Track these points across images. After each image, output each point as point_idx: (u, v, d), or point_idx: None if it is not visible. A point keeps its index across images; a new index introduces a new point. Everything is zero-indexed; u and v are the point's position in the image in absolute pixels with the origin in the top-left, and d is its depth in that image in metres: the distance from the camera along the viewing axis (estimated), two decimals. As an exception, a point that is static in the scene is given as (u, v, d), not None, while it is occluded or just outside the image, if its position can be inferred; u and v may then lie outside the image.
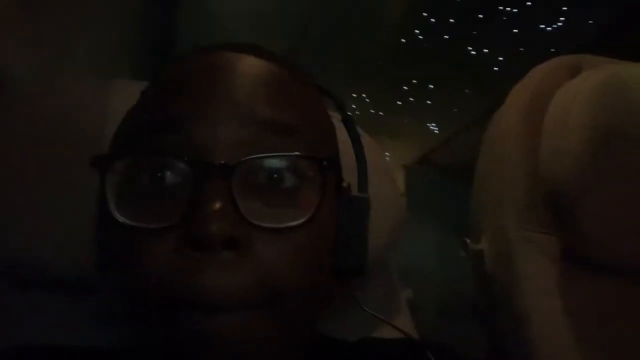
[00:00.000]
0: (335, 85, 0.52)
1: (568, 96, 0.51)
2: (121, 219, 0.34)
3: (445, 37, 2.15)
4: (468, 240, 0.58)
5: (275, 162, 0.34)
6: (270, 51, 0.40)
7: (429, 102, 2.64)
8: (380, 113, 2.99)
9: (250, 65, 0.38)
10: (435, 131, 2.85)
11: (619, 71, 0.51)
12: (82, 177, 0.38)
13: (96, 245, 0.38)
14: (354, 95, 2.77)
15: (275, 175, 0.34)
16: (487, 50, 2.07)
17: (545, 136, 0.51)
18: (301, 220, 0.34)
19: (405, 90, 2.64)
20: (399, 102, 2.78)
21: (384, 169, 0.52)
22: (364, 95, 2.85)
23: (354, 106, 2.81)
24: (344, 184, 0.39)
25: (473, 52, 2.17)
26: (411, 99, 2.69)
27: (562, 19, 1.79)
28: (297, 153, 0.35)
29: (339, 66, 2.13)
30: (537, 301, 0.50)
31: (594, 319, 0.49)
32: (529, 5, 1.80)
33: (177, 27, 1.38)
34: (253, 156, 0.34)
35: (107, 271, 0.38)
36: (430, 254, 2.32)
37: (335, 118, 0.43)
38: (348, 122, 0.43)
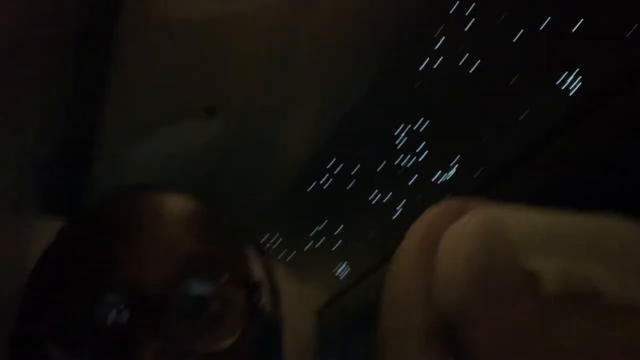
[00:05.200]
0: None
1: (455, 235, 0.57)
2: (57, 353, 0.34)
3: (352, 182, 2.28)
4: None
5: (202, 290, 0.37)
6: (188, 192, 0.44)
7: (337, 244, 2.72)
8: (287, 259, 3.03)
9: (171, 204, 0.41)
10: (344, 274, 2.90)
11: (496, 212, 0.58)
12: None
13: None
14: (260, 241, 2.79)
15: (204, 303, 0.37)
16: (390, 195, 2.21)
17: (438, 271, 0.56)
18: (231, 341, 0.36)
19: (314, 233, 2.72)
20: (308, 245, 2.84)
21: (298, 299, 0.55)
22: (271, 241, 2.90)
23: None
24: (262, 305, 0.43)
25: (377, 197, 2.31)
26: (320, 241, 2.76)
27: (454, 169, 1.97)
28: (219, 277, 0.38)
29: (246, 212, 2.18)
30: None
31: None
32: (424, 158, 1.98)
33: (90, 170, 1.40)
34: (179, 287, 0.36)
35: None
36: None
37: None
38: (260, 248, 0.47)
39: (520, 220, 0.58)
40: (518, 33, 1.33)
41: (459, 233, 0.57)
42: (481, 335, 0.52)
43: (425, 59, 1.57)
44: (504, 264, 0.54)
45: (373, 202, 2.25)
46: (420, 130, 1.83)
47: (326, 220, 2.72)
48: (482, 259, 0.54)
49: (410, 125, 1.89)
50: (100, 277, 0.36)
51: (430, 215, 0.63)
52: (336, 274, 2.88)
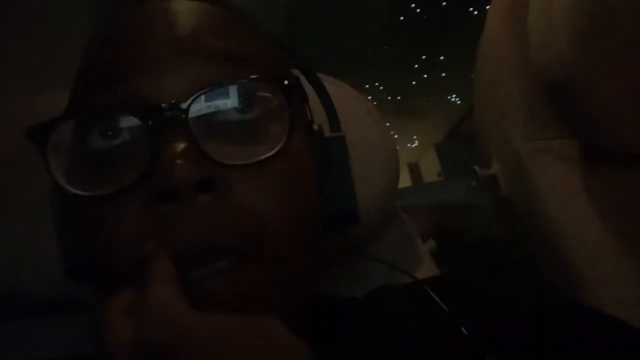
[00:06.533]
0: (345, 80, 0.50)
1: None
2: (73, 191, 0.31)
3: (443, 4, 2.10)
4: (477, 168, 0.53)
5: (231, 92, 0.31)
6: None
7: (443, 74, 2.59)
8: (398, 97, 2.95)
9: (187, 4, 0.35)
10: (458, 102, 2.78)
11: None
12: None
13: (60, 244, 0.36)
14: (366, 86, 2.73)
15: (235, 107, 0.32)
16: (488, 7, 2.01)
17: (532, 33, 0.47)
18: (272, 152, 0.31)
19: (416, 68, 2.59)
20: (414, 82, 2.73)
21: (365, 112, 0.49)
22: (376, 83, 2.82)
23: (369, 97, 2.77)
24: (315, 127, 0.37)
25: (475, 13, 2.12)
26: (424, 75, 2.64)
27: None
28: (253, 76, 0.32)
29: (343, 58, 2.10)
30: (562, 208, 0.45)
31: (624, 215, 0.44)
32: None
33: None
34: (205, 90, 0.31)
35: (78, 273, 0.35)
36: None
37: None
38: (302, 65, 0.40)
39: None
40: None
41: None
42: (597, 93, 0.43)
43: None
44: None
45: (475, 13, 2.06)
46: None
47: (424, 54, 2.57)
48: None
49: None
50: (115, 89, 0.31)
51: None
52: (450, 103, 2.77)
